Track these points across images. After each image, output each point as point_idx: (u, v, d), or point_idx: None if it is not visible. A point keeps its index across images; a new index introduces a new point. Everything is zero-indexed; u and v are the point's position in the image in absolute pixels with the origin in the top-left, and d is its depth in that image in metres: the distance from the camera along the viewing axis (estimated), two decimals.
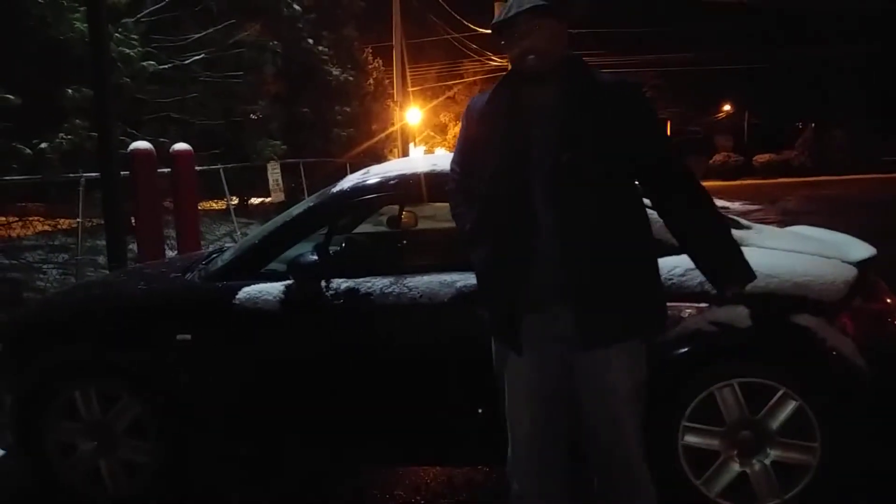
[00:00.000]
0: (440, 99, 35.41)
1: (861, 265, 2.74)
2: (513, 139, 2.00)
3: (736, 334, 2.59)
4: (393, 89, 24.52)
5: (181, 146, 8.31)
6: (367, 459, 3.10)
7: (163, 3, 10.90)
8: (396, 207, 4.33)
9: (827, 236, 3.22)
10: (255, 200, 15.92)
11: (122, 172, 6.42)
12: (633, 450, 2.05)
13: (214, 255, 3.55)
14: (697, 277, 2.60)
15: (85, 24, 7.57)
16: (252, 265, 3.03)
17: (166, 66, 10.71)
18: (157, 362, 2.92)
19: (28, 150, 8.29)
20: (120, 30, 9.46)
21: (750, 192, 20.71)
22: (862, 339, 2.59)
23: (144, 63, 9.80)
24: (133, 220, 7.61)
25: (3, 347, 3.15)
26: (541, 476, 2.10)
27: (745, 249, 2.73)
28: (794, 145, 31.90)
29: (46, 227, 10.19)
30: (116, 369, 2.99)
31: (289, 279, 2.87)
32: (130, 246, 7.30)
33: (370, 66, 22.78)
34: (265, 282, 2.92)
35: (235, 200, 13.77)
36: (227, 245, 6.04)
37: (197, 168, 8.85)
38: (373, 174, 3.20)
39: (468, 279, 2.74)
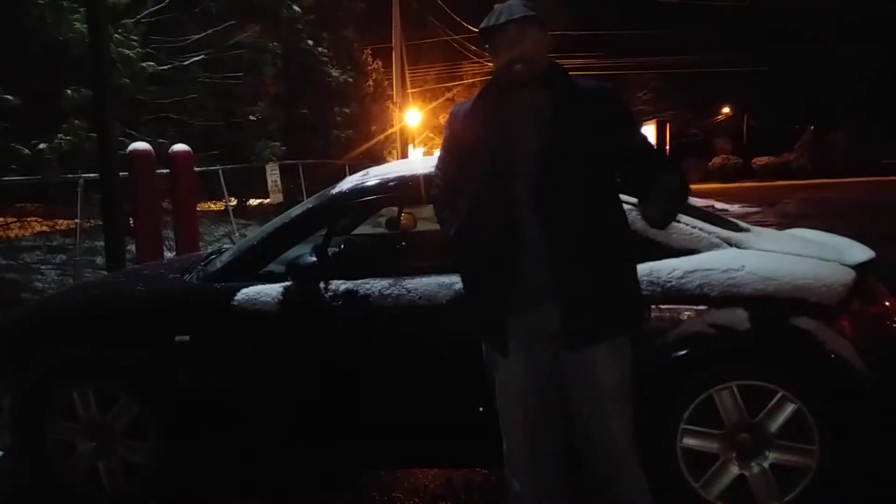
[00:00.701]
0: (439, 100, 35.39)
1: (860, 268, 2.74)
2: (497, 144, 2.04)
3: (735, 337, 2.59)
4: (392, 91, 24.55)
5: (180, 147, 8.31)
6: (366, 461, 3.09)
7: (162, 4, 10.90)
8: (395, 209, 4.32)
9: (826, 239, 3.22)
10: (253, 201, 15.92)
11: (120, 173, 6.42)
12: (624, 447, 2.07)
13: (213, 257, 3.55)
14: (696, 280, 2.61)
15: (84, 25, 7.56)
16: (251, 266, 3.03)
17: (166, 67, 10.70)
18: (156, 363, 2.92)
19: (27, 151, 8.28)
20: (119, 30, 9.45)
21: (749, 195, 20.73)
22: (861, 342, 2.58)
23: (144, 64, 9.80)
24: (132, 221, 7.61)
25: (1, 348, 3.14)
26: (537, 473, 2.13)
27: (744, 252, 2.77)
28: (794, 148, 31.93)
29: (45, 228, 10.19)
30: (115, 370, 2.99)
31: (287, 280, 2.87)
32: (129, 247, 7.29)
33: (370, 68, 22.81)
34: (264, 283, 2.92)
35: (234, 201, 13.77)
36: (225, 246, 6.04)
37: (196, 169, 8.85)
38: (372, 176, 3.20)
39: None
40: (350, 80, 18.13)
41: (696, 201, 2.32)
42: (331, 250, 3.20)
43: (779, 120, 32.65)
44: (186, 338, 2.88)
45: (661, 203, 1.99)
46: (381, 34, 24.91)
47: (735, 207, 15.76)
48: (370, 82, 22.29)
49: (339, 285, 2.86)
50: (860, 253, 2.87)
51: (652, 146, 2.15)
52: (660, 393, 2.57)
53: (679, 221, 2.75)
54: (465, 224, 2.11)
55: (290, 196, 13.43)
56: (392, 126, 23.80)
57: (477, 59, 32.35)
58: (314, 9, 16.40)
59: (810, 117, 31.68)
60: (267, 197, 13.09)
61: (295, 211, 3.25)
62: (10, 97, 7.83)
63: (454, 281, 2.77)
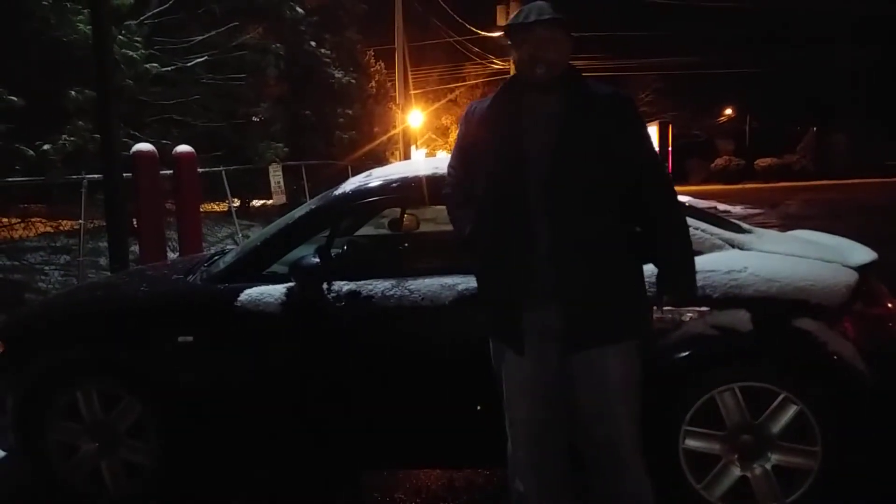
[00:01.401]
0: (442, 102, 35.45)
1: (862, 269, 2.75)
2: (512, 144, 2.06)
3: (737, 338, 2.59)
4: (395, 92, 24.55)
5: (183, 148, 8.32)
6: (368, 461, 3.10)
7: (166, 6, 10.92)
8: (398, 210, 4.33)
9: (828, 240, 3.22)
10: (256, 202, 15.94)
11: (124, 174, 6.43)
12: (629, 448, 2.09)
13: (216, 258, 3.56)
14: (698, 281, 2.60)
15: (88, 26, 7.59)
16: (254, 267, 3.04)
17: (169, 69, 10.73)
18: (159, 363, 2.93)
19: (31, 152, 8.30)
20: (123, 32, 9.47)
21: (751, 196, 20.71)
22: (863, 344, 2.59)
23: (147, 65, 9.81)
24: (135, 222, 7.62)
25: (4, 348, 3.15)
26: (540, 473, 2.13)
27: (746, 253, 2.77)
28: (796, 149, 31.89)
29: (48, 229, 10.20)
30: (118, 370, 2.99)
31: (291, 281, 2.88)
32: (132, 248, 7.31)
33: (372, 69, 22.84)
34: (267, 284, 2.93)
35: (237, 202, 13.79)
36: (228, 247, 6.05)
37: (199, 170, 8.86)
38: (375, 177, 3.20)
39: (470, 282, 2.75)
40: (353, 81, 18.15)
41: (698, 203, 2.32)
42: (334, 251, 3.21)
43: (781, 121, 32.61)
44: (190, 338, 2.89)
45: (671, 292, 2.14)
46: (384, 35, 24.92)
47: (737, 209, 15.75)
48: (373, 83, 22.32)
49: (342, 286, 2.87)
50: (862, 254, 2.87)
51: (658, 162, 2.19)
52: (662, 394, 2.57)
53: None
54: (480, 223, 2.14)
55: (292, 197, 13.46)
56: (395, 127, 23.82)
57: (479, 61, 32.38)
58: (317, 10, 16.44)
59: (813, 119, 31.64)
60: (270, 198, 13.11)
61: (298, 212, 3.25)
62: (14, 98, 7.85)
63: (457, 282, 2.78)
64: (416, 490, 3.14)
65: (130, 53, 9.38)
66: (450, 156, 2.36)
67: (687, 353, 2.61)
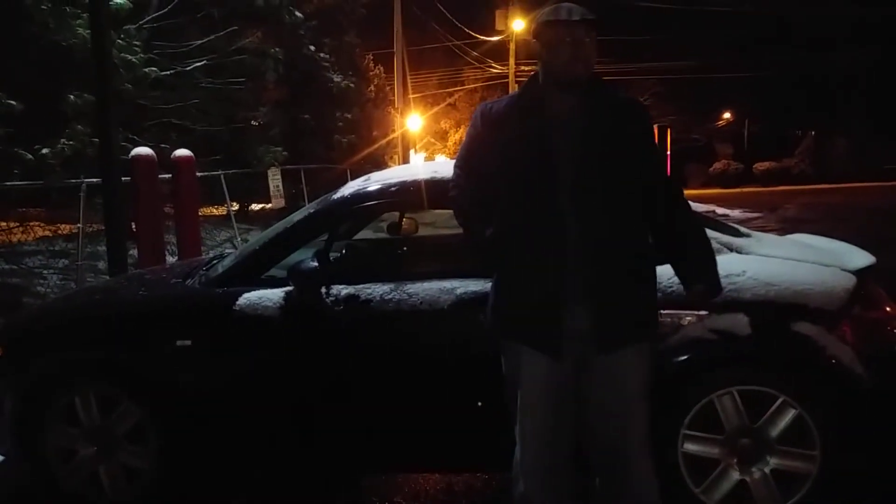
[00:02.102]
0: (441, 106, 35.47)
1: (860, 273, 2.75)
2: (540, 144, 2.04)
3: (735, 342, 2.59)
4: (394, 96, 24.57)
5: (182, 152, 8.32)
6: (367, 466, 3.09)
7: (165, 10, 10.94)
8: (397, 214, 4.33)
9: (826, 245, 3.23)
10: (255, 206, 15.93)
11: (123, 178, 6.43)
12: (637, 448, 2.09)
13: (215, 262, 3.56)
14: None
15: (87, 30, 7.59)
16: (252, 271, 3.04)
17: (168, 73, 10.74)
18: (158, 367, 2.93)
19: (29, 156, 8.31)
20: (122, 36, 9.49)
21: (750, 200, 20.72)
22: (861, 348, 2.59)
23: (146, 69, 9.84)
24: (134, 226, 7.62)
25: (3, 352, 3.15)
26: (548, 476, 2.13)
27: (745, 257, 2.77)
28: (795, 153, 31.92)
29: (47, 233, 10.19)
30: (117, 374, 2.99)
31: (289, 285, 2.88)
32: (131, 251, 7.30)
33: (371, 73, 22.84)
34: (266, 288, 2.93)
35: (236, 206, 13.78)
36: (227, 251, 6.05)
37: (198, 174, 8.87)
38: (373, 181, 3.20)
39: (468, 286, 2.75)
40: (352, 85, 18.16)
41: (696, 207, 2.33)
42: (332, 255, 3.21)
43: (780, 125, 32.65)
44: (188, 342, 2.89)
45: (703, 274, 2.15)
46: (383, 39, 24.95)
47: (736, 212, 15.76)
48: (372, 87, 22.32)
49: (341, 290, 2.87)
50: (861, 258, 2.88)
51: (666, 171, 2.28)
52: (661, 398, 2.57)
53: None
54: (505, 226, 2.10)
55: (291, 201, 13.45)
56: (393, 131, 23.84)
57: (478, 65, 32.42)
58: (316, 14, 16.46)
59: (811, 122, 31.67)
60: (269, 202, 13.12)
61: (297, 216, 3.25)
62: (13, 102, 7.86)
63: (456, 286, 2.78)
64: (415, 494, 3.14)
65: (129, 57, 9.40)
66: (456, 156, 2.28)
67: (686, 356, 2.61)
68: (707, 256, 2.18)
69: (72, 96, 8.82)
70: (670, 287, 2.61)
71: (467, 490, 3.16)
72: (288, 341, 2.89)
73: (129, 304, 3.23)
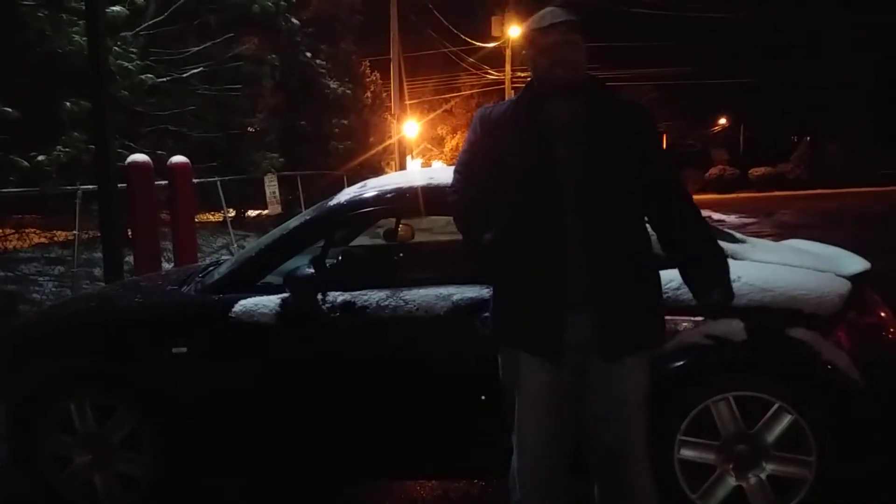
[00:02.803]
0: (437, 112, 35.50)
1: (855, 279, 2.76)
2: (542, 149, 2.04)
3: (731, 348, 2.59)
4: (390, 102, 24.59)
5: (179, 159, 8.32)
6: (363, 472, 3.09)
7: (162, 17, 10.95)
8: (393, 220, 4.33)
9: (822, 250, 3.24)
10: (252, 213, 15.92)
11: (119, 185, 6.43)
12: (636, 455, 2.09)
13: (211, 268, 3.55)
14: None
15: (84, 37, 7.59)
16: (249, 278, 3.03)
17: (165, 79, 10.74)
18: (154, 374, 2.92)
19: (26, 163, 8.29)
20: (119, 43, 9.49)
21: (745, 205, 20.76)
22: (856, 353, 2.60)
23: (143, 76, 9.82)
24: (130, 233, 7.61)
25: None
26: (545, 484, 2.12)
27: (740, 263, 2.78)
28: (790, 158, 32.00)
29: (43, 240, 10.19)
30: (112, 381, 2.99)
31: (285, 292, 2.88)
32: (127, 258, 7.29)
33: (368, 80, 22.87)
34: (262, 295, 2.92)
35: (232, 213, 13.78)
36: (223, 258, 6.04)
37: (194, 181, 8.86)
38: (370, 187, 3.21)
39: (464, 292, 2.75)
40: (348, 91, 18.19)
41: None
42: (329, 262, 3.21)
43: (775, 130, 32.75)
44: (184, 349, 2.88)
45: (720, 280, 2.14)
46: (380, 46, 24.97)
47: (731, 218, 15.78)
48: (368, 94, 22.35)
49: (337, 297, 2.86)
50: (856, 263, 2.89)
51: (672, 174, 2.21)
52: (657, 404, 2.57)
53: None
54: (507, 230, 2.08)
55: (288, 207, 13.45)
56: (390, 137, 23.83)
57: (475, 71, 32.49)
58: (312, 21, 16.49)
59: (807, 128, 31.78)
60: (265, 208, 13.10)
61: (293, 222, 3.26)
62: (9, 109, 7.85)
63: (452, 292, 2.78)
64: (411, 501, 3.13)
65: (126, 64, 9.39)
66: (456, 161, 2.28)
67: (681, 362, 2.61)
68: (721, 262, 2.17)
69: (68, 103, 8.80)
70: (665, 293, 2.61)
71: (463, 497, 3.16)
72: (284, 348, 2.89)
73: (124, 311, 3.23)
